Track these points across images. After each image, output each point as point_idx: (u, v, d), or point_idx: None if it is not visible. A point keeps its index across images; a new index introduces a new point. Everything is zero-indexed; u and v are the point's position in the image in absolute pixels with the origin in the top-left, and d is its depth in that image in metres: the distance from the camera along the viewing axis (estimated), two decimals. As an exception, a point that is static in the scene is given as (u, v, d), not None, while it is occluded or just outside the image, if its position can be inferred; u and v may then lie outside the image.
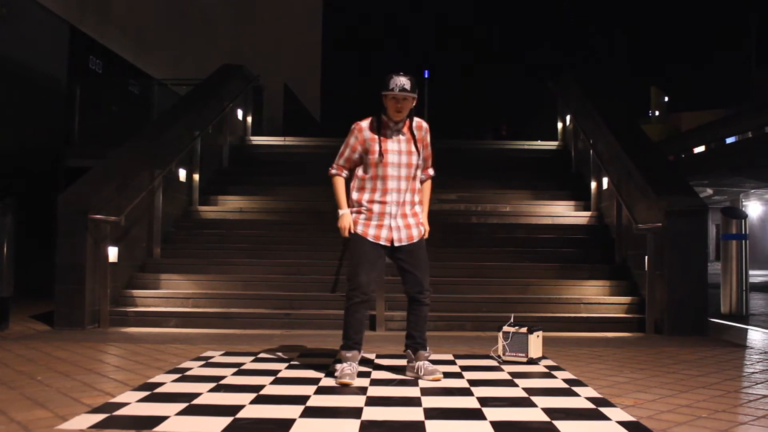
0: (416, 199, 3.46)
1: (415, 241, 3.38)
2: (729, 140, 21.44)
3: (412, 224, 3.39)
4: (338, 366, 3.38)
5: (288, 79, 19.60)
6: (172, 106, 8.55)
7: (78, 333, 5.07)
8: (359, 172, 3.42)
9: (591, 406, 2.84)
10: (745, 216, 7.62)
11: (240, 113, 9.91)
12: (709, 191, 21.11)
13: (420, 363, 3.39)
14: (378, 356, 4.09)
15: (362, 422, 2.55)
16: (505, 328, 3.94)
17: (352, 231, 3.37)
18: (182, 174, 7.50)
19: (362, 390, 3.11)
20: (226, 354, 4.14)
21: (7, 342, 4.56)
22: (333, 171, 3.50)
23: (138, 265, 6.34)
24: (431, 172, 3.61)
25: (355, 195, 3.43)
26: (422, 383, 3.27)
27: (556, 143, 10.07)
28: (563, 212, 7.74)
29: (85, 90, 10.10)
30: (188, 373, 3.52)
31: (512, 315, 4.23)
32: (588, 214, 7.59)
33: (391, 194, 3.34)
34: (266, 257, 6.56)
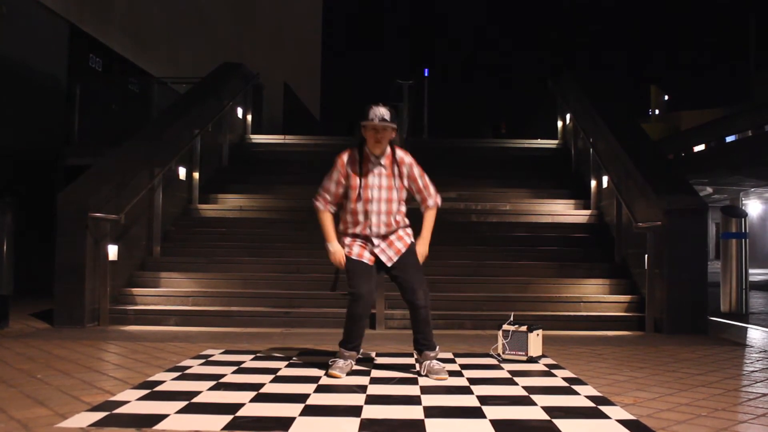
0: (401, 220, 3.44)
1: (402, 253, 3.40)
2: (729, 139, 21.43)
3: (394, 240, 3.41)
4: (333, 361, 3.45)
5: (288, 78, 19.60)
6: (171, 104, 8.55)
7: (78, 331, 5.07)
8: (344, 202, 3.45)
9: (591, 404, 2.85)
10: (744, 215, 7.62)
11: (240, 111, 9.91)
12: (709, 190, 21.09)
13: (426, 362, 3.41)
14: (378, 355, 4.09)
15: (362, 421, 2.55)
16: (505, 327, 3.94)
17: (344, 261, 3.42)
18: (182, 172, 7.50)
19: (362, 388, 3.11)
20: (226, 352, 4.14)
21: (6, 340, 4.56)
22: (318, 204, 3.47)
23: (138, 264, 6.34)
24: (431, 202, 3.51)
25: (341, 226, 3.49)
26: (422, 381, 3.27)
27: (555, 142, 10.07)
28: (563, 211, 7.74)
29: (85, 88, 10.10)
30: (188, 371, 3.52)
31: (512, 313, 4.23)
32: (588, 212, 7.59)
33: (372, 227, 3.38)
34: (266, 255, 6.56)
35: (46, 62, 9.53)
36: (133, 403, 2.80)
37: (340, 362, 3.41)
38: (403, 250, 3.41)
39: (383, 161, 3.37)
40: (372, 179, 3.36)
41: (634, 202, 5.98)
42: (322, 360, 3.85)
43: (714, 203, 21.44)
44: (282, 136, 10.62)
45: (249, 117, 10.22)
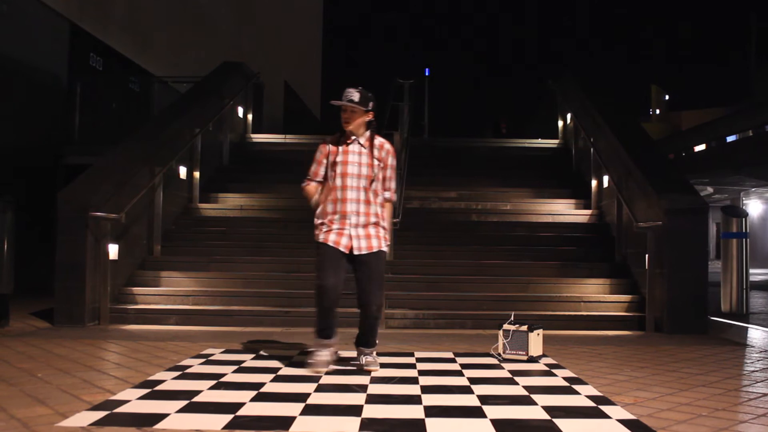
0: (379, 211, 3.51)
1: (373, 251, 3.44)
2: (729, 139, 21.42)
3: (372, 235, 3.46)
4: (312, 350, 3.55)
5: (288, 77, 19.60)
6: (172, 103, 8.55)
7: (78, 330, 5.07)
8: (322, 191, 3.55)
9: (591, 404, 2.84)
10: (745, 214, 7.61)
11: (240, 111, 9.91)
12: (710, 190, 21.09)
13: (362, 356, 3.55)
14: (378, 354, 4.08)
15: (362, 420, 2.55)
16: (506, 326, 3.94)
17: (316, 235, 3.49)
18: (182, 171, 7.50)
19: (362, 388, 3.11)
20: (227, 351, 4.14)
21: (7, 339, 4.56)
22: (304, 184, 3.63)
23: (138, 263, 6.34)
24: (388, 195, 3.61)
25: (319, 209, 3.55)
26: (422, 381, 3.27)
27: (556, 141, 10.07)
28: (563, 210, 7.73)
29: (86, 87, 10.10)
30: (188, 370, 3.52)
31: (512, 313, 4.22)
32: (588, 212, 7.59)
33: (350, 204, 3.44)
34: (266, 255, 6.56)
35: (47, 61, 9.53)
36: (134, 402, 2.80)
37: (321, 355, 3.48)
38: (375, 249, 3.45)
39: (363, 142, 3.50)
40: (351, 156, 3.47)
41: (634, 201, 5.98)
42: (323, 359, 3.85)
43: (714, 203, 21.43)
44: (282, 136, 10.61)
45: (249, 116, 10.22)
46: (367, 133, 3.53)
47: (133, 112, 10.91)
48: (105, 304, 5.47)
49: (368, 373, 3.44)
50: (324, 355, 3.49)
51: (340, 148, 3.49)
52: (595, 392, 3.06)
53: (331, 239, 3.43)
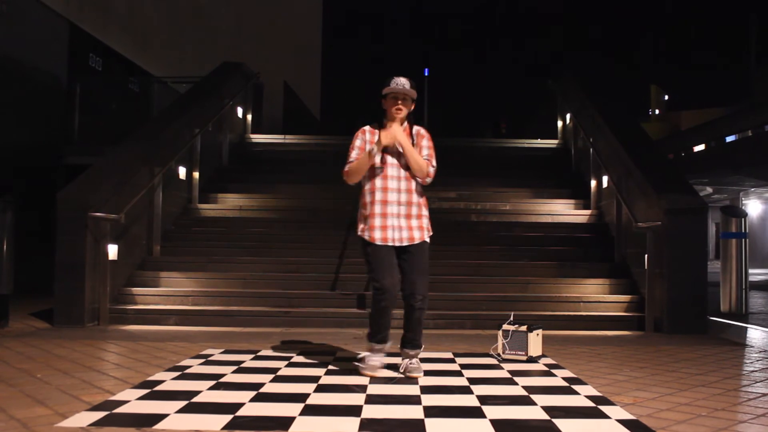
0: (421, 201, 3.44)
1: (415, 242, 3.38)
2: (729, 139, 21.42)
3: (414, 227, 3.40)
4: (362, 358, 3.47)
5: (288, 77, 19.58)
6: (171, 103, 8.54)
7: (78, 330, 5.07)
8: (363, 182, 3.45)
9: (591, 404, 2.85)
10: (744, 214, 7.61)
11: (240, 111, 9.90)
12: (709, 190, 21.09)
13: (405, 360, 3.44)
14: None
15: (362, 420, 2.55)
16: (505, 327, 3.94)
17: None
18: (182, 172, 7.49)
19: (362, 388, 3.11)
20: (226, 352, 4.14)
21: (6, 339, 4.55)
22: (345, 168, 3.45)
23: (138, 263, 6.34)
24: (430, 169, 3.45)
25: (360, 210, 3.48)
26: (422, 381, 3.27)
27: (555, 141, 10.07)
28: (563, 210, 7.74)
29: (85, 87, 10.09)
30: (188, 371, 3.52)
31: (512, 313, 4.23)
32: (588, 212, 7.59)
33: (391, 194, 3.36)
34: (266, 255, 6.56)
35: (46, 61, 9.53)
36: (133, 403, 2.80)
37: (374, 359, 3.41)
38: (417, 241, 3.38)
39: (406, 135, 3.39)
40: (393, 146, 3.37)
41: (634, 201, 5.98)
42: (323, 360, 3.86)
43: (714, 203, 21.44)
44: (282, 136, 10.61)
45: (249, 116, 10.22)
46: (406, 123, 3.45)
47: (133, 113, 10.91)
48: (104, 305, 5.47)
49: (415, 381, 3.28)
50: (377, 360, 3.42)
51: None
52: (595, 392, 3.06)
53: (378, 236, 3.35)
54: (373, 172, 3.39)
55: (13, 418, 2.54)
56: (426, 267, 3.43)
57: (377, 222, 3.36)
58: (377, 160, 3.36)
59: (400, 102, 3.36)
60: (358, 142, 3.45)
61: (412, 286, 3.36)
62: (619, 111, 7.65)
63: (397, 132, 3.34)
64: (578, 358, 4.04)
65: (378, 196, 3.37)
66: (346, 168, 3.44)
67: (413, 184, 3.40)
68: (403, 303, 3.43)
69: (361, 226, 3.43)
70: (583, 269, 6.28)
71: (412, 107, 3.43)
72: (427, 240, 3.46)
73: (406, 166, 3.38)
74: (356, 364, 3.52)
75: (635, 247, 5.94)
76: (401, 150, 3.37)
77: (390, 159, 3.38)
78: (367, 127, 3.49)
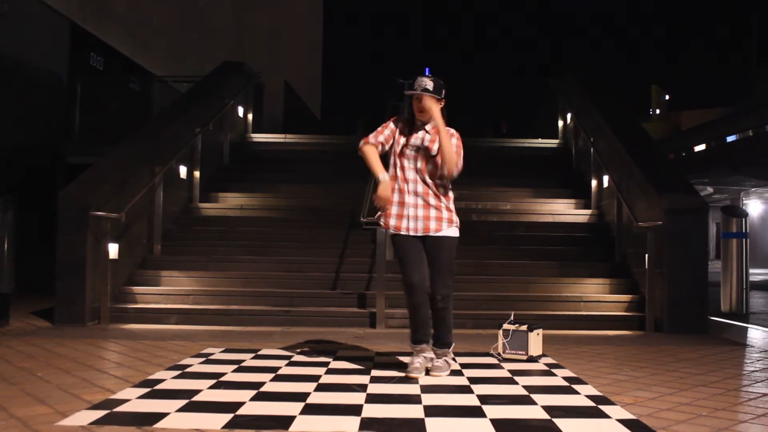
0: (442, 193, 3.41)
1: (431, 233, 3.36)
2: (729, 139, 21.41)
3: (432, 216, 3.37)
4: (409, 360, 3.45)
5: (289, 77, 19.59)
6: (172, 103, 8.54)
7: (78, 329, 5.08)
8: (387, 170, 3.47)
9: (591, 404, 2.84)
10: (745, 214, 7.61)
11: (240, 110, 9.90)
12: (710, 190, 21.09)
13: (432, 358, 3.44)
14: (378, 354, 4.09)
15: (362, 419, 2.55)
16: (506, 326, 3.94)
17: (386, 218, 3.39)
18: (182, 171, 7.49)
19: (362, 387, 3.11)
20: (227, 351, 4.14)
21: (7, 338, 4.56)
22: (361, 144, 3.47)
23: (138, 262, 6.34)
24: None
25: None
26: (422, 381, 3.27)
27: (556, 141, 10.06)
28: (564, 210, 7.73)
29: (86, 87, 10.09)
30: (188, 369, 3.52)
31: (512, 313, 4.22)
32: (588, 212, 7.59)
33: (410, 184, 3.39)
34: (266, 254, 6.56)
35: (47, 60, 9.53)
36: (134, 402, 2.80)
37: (415, 362, 3.39)
38: (432, 231, 3.34)
39: (429, 129, 3.42)
40: (414, 139, 3.40)
41: (634, 201, 5.98)
42: (323, 359, 3.86)
43: (714, 203, 21.42)
44: (282, 135, 10.61)
45: (250, 116, 10.22)
46: (439, 120, 3.39)
47: (134, 112, 10.89)
48: (105, 304, 5.47)
49: (433, 377, 3.31)
50: (418, 362, 3.39)
51: (407, 129, 3.44)
52: (595, 392, 3.06)
53: (393, 224, 3.37)
54: (395, 162, 3.42)
55: (14, 417, 2.54)
56: (448, 264, 3.38)
57: (394, 210, 3.39)
58: (399, 151, 3.40)
59: (420, 104, 3.37)
60: (386, 131, 3.46)
61: (432, 285, 3.35)
62: (620, 111, 7.65)
63: (385, 195, 3.34)
64: (579, 357, 4.04)
65: (398, 185, 3.40)
66: (362, 145, 3.44)
67: (432, 175, 3.39)
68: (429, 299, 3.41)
69: (378, 212, 3.46)
70: (584, 269, 6.28)
71: (441, 105, 3.40)
72: (453, 234, 3.40)
73: (426, 158, 3.37)
74: (402, 370, 3.48)
75: (636, 246, 5.93)
76: (424, 144, 3.38)
77: (409, 151, 3.40)
78: (395, 118, 3.53)
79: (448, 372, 3.41)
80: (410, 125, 3.47)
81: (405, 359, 3.86)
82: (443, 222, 3.38)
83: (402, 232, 3.37)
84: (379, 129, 3.49)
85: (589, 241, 6.98)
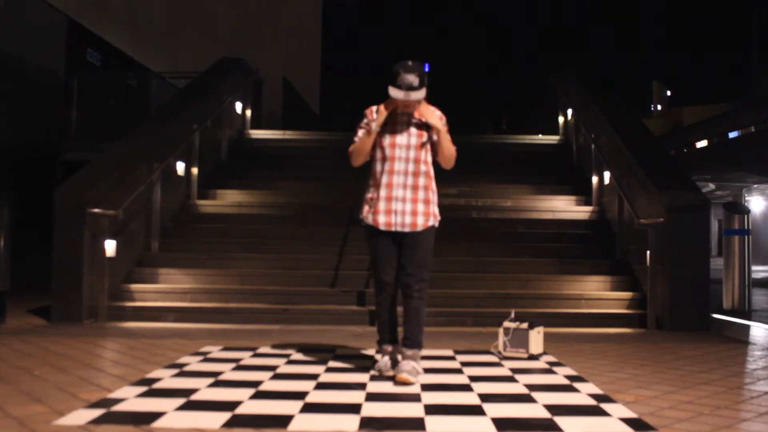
0: (429, 184, 3.34)
1: (418, 229, 3.28)
2: (731, 135, 21.39)
3: (420, 211, 3.29)
4: (378, 358, 3.45)
5: (287, 73, 19.54)
6: (170, 99, 8.50)
7: (75, 328, 5.05)
8: (370, 164, 3.38)
9: (592, 402, 2.82)
10: (747, 211, 7.57)
11: (239, 106, 9.86)
12: (711, 186, 21.09)
13: (401, 361, 3.23)
14: (377, 352, 4.06)
15: (362, 418, 2.52)
16: (506, 324, 3.92)
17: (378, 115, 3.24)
18: (180, 168, 7.46)
19: (361, 386, 3.08)
20: (225, 349, 4.11)
21: (3, 336, 4.53)
22: (350, 148, 3.37)
23: (136, 260, 6.31)
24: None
25: (367, 184, 3.40)
26: (422, 379, 3.23)
27: (557, 137, 10.03)
28: (564, 207, 7.71)
29: (83, 83, 10.06)
30: (186, 368, 3.49)
31: (513, 310, 4.20)
32: (589, 209, 7.56)
33: (398, 176, 3.27)
34: (265, 252, 6.53)
35: (44, 56, 9.49)
36: (131, 400, 2.78)
37: (380, 362, 3.37)
38: (420, 227, 3.27)
39: (413, 113, 3.28)
40: (399, 126, 3.27)
41: (635, 198, 5.95)
42: (322, 357, 3.83)
43: (716, 199, 21.42)
44: (281, 132, 10.58)
45: (248, 112, 10.18)
46: (424, 105, 3.28)
47: (131, 108, 10.85)
48: (102, 302, 5.44)
49: (406, 385, 3.06)
50: (385, 361, 3.35)
51: (391, 126, 3.28)
52: (596, 390, 3.04)
53: (382, 221, 3.25)
54: (380, 154, 3.30)
55: (10, 416, 2.51)
56: (427, 257, 3.32)
57: (382, 206, 3.27)
58: (385, 141, 3.26)
59: (405, 103, 3.20)
60: (364, 122, 3.35)
61: (410, 277, 3.26)
62: (621, 107, 7.62)
63: (433, 118, 3.22)
64: (579, 355, 4.01)
65: (384, 179, 3.28)
66: (350, 148, 3.36)
67: (421, 168, 3.29)
68: (401, 292, 3.32)
69: (366, 208, 3.35)
70: (585, 266, 6.25)
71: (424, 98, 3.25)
72: (435, 225, 3.35)
73: (415, 148, 3.26)
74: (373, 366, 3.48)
75: (637, 243, 5.91)
76: (411, 132, 3.27)
77: (398, 140, 3.26)
78: (374, 107, 3.35)
79: (416, 381, 3.14)
80: (393, 116, 3.28)
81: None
82: (429, 217, 3.33)
83: (382, 228, 3.26)
84: (358, 128, 3.37)
85: (589, 238, 6.95)
